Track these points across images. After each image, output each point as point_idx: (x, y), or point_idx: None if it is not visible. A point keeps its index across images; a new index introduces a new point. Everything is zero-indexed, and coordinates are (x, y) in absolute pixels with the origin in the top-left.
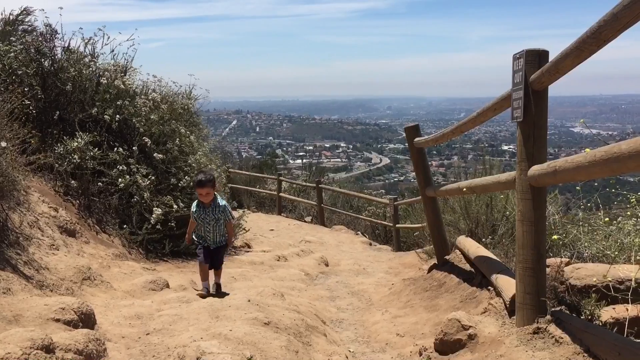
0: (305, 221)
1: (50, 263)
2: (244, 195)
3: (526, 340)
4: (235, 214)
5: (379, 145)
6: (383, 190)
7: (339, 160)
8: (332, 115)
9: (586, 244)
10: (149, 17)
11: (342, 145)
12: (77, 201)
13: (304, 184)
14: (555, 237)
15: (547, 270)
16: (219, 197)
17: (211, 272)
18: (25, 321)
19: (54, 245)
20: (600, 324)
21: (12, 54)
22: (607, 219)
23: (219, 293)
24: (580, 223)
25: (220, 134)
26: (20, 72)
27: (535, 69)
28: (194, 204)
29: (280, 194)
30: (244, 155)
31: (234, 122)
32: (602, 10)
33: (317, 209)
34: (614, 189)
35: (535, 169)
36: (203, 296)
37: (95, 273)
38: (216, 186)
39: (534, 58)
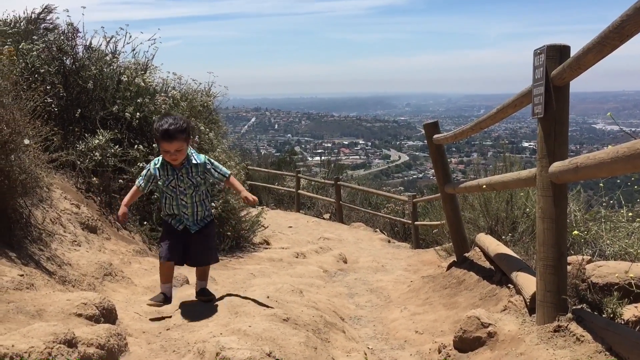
0: (323, 218)
1: (72, 259)
2: (262, 192)
3: (547, 339)
4: (254, 210)
5: (398, 143)
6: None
7: (357, 157)
8: (351, 112)
9: (608, 241)
10: (168, 15)
11: (360, 142)
12: (99, 198)
13: (323, 181)
14: (575, 232)
15: (568, 268)
16: (193, 152)
17: (192, 272)
18: (48, 316)
19: (75, 241)
20: (623, 322)
21: (35, 53)
22: (630, 214)
23: (204, 295)
24: (602, 220)
25: (239, 131)
26: (42, 71)
27: (557, 65)
28: (153, 162)
29: (299, 191)
30: (262, 153)
31: (253, 120)
32: (624, 4)
33: (335, 206)
34: (637, 186)
35: (556, 165)
36: (158, 306)
37: (117, 269)
38: (191, 140)
39: (555, 53)
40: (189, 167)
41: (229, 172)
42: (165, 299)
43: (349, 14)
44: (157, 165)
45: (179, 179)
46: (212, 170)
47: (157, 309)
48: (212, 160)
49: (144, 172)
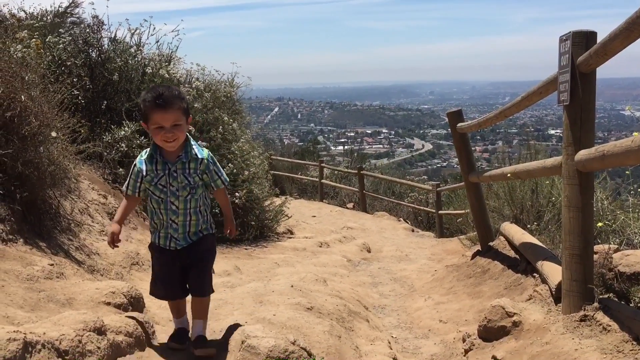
0: (347, 208)
1: (101, 248)
2: (286, 182)
3: (572, 328)
4: (278, 200)
5: (421, 131)
6: (425, 177)
7: (380, 146)
8: (374, 101)
9: (636, 230)
10: (191, 6)
11: (384, 131)
12: None
13: (346, 170)
14: (600, 224)
15: (595, 257)
16: (193, 142)
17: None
18: (78, 304)
19: (103, 231)
20: None
21: (61, 46)
22: None
23: (200, 346)
24: (630, 209)
25: (262, 121)
26: (69, 63)
27: (583, 51)
28: (140, 156)
29: (322, 181)
30: (285, 142)
31: (276, 110)
32: None
33: (358, 195)
34: None
35: (582, 153)
36: (180, 348)
37: (143, 258)
38: (190, 118)
39: (581, 40)
40: (186, 160)
41: (228, 179)
42: (184, 334)
43: (371, 1)
44: (144, 157)
45: (170, 176)
46: (214, 172)
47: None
48: (215, 159)
49: (133, 169)
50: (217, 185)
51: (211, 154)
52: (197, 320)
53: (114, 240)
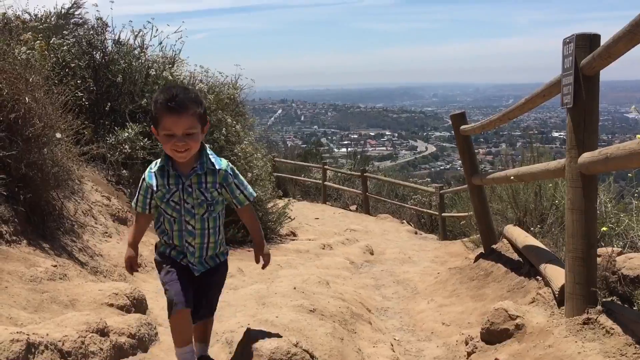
0: (350, 210)
1: (104, 250)
2: (289, 184)
3: (575, 331)
4: (281, 202)
5: (425, 133)
6: (429, 179)
7: (384, 148)
8: (377, 103)
9: (639, 233)
10: (195, 8)
11: (387, 133)
12: (128, 190)
13: (349, 172)
14: (604, 228)
15: (598, 260)
16: (210, 150)
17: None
18: (81, 305)
19: (106, 232)
20: None
21: (65, 47)
22: None
23: None
24: (634, 212)
25: (266, 123)
26: (73, 65)
27: (586, 54)
28: (149, 169)
29: (325, 183)
30: (289, 144)
31: (279, 112)
32: None
33: (362, 197)
34: None
35: (586, 156)
36: None
37: (146, 260)
38: (207, 125)
39: (585, 42)
40: (202, 173)
41: (254, 194)
42: None
43: (375, 3)
44: (154, 170)
45: (184, 191)
46: (235, 186)
47: None
48: (236, 171)
49: (142, 184)
50: (239, 202)
51: (231, 165)
52: (201, 343)
53: (132, 267)
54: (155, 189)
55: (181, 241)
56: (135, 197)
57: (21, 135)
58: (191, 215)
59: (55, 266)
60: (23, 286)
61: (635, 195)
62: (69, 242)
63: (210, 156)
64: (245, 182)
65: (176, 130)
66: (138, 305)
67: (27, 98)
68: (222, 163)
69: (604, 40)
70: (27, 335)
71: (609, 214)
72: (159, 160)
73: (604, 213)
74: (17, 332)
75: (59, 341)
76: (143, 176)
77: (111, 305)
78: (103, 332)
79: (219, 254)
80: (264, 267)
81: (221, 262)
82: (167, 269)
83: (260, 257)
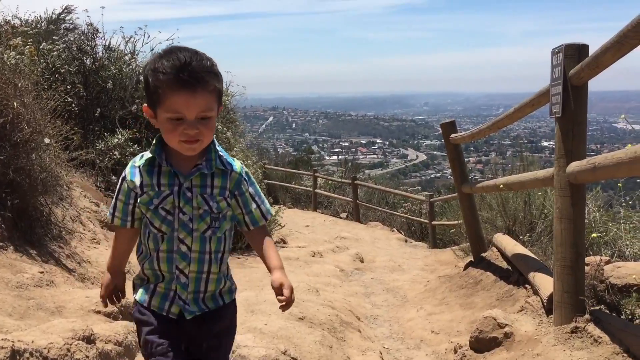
0: (340, 217)
1: (92, 256)
2: (279, 191)
3: (564, 340)
4: (271, 209)
5: (416, 142)
6: (419, 187)
7: (375, 156)
8: (368, 111)
9: (627, 242)
10: (188, 15)
11: (378, 141)
12: None
13: (340, 180)
14: (594, 235)
15: (587, 268)
16: (218, 145)
17: None
18: (67, 312)
19: (95, 239)
20: None
21: (55, 53)
22: None
23: None
24: (622, 221)
25: (257, 130)
26: (63, 71)
27: (575, 64)
28: (132, 163)
29: (316, 190)
30: (280, 152)
31: (270, 119)
32: None
33: (352, 205)
34: None
35: (574, 165)
36: None
37: (135, 266)
38: (221, 108)
39: (574, 52)
40: (208, 173)
41: (272, 211)
42: None
43: (368, 12)
44: (139, 164)
45: (181, 196)
46: (250, 198)
47: None
48: (252, 177)
49: (120, 188)
50: (253, 220)
51: (246, 169)
52: None
53: (107, 297)
54: (139, 190)
55: (170, 267)
56: (112, 204)
57: (9, 141)
58: (187, 231)
59: (42, 272)
60: (9, 292)
61: (623, 204)
62: (57, 248)
63: (220, 152)
64: (263, 195)
65: (188, 112)
66: (125, 312)
67: (15, 103)
68: (235, 164)
69: (592, 51)
70: (12, 342)
71: (597, 223)
72: (145, 152)
73: (592, 222)
74: (2, 339)
75: (45, 348)
76: (123, 174)
77: (98, 312)
78: (89, 340)
79: (224, 292)
80: (285, 307)
81: (226, 305)
82: (152, 340)
83: (282, 290)
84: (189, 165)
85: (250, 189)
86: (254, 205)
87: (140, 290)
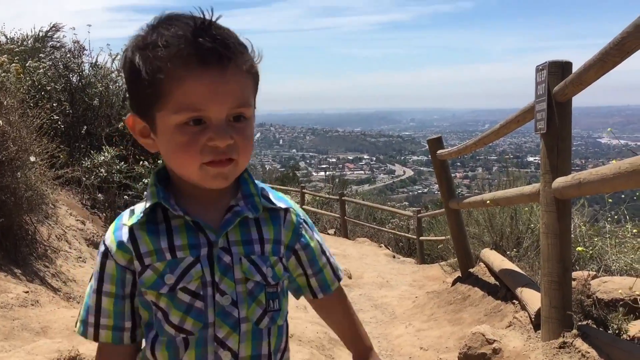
0: (328, 233)
1: (77, 275)
2: None
3: (552, 355)
4: None
5: (403, 157)
6: (407, 203)
7: (362, 172)
8: (355, 127)
9: (614, 257)
10: None
11: (365, 157)
12: (104, 214)
13: (327, 196)
14: (580, 248)
15: (574, 283)
16: (260, 183)
17: None
18: (53, 332)
19: (81, 257)
20: (628, 338)
21: (42, 70)
22: (635, 230)
23: None
24: (608, 235)
25: None
26: (49, 88)
27: (559, 81)
28: (118, 222)
29: (304, 207)
30: (267, 168)
31: (258, 135)
32: (628, 19)
33: (340, 221)
34: None
35: (559, 181)
36: None
37: None
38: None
39: (558, 69)
40: (252, 218)
41: (342, 268)
42: None
43: (355, 29)
44: (130, 224)
45: (217, 264)
46: (319, 251)
47: None
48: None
49: (95, 273)
50: (325, 285)
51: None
52: None
53: None
54: (138, 265)
55: None
56: (85, 306)
57: None
58: (231, 325)
59: (27, 292)
60: None
61: (609, 219)
62: (42, 267)
63: (260, 185)
64: (326, 246)
65: (215, 107)
66: None
67: (1, 121)
68: (285, 199)
69: (575, 68)
70: None
71: (584, 238)
72: (137, 205)
73: (578, 237)
74: None
75: None
76: (101, 246)
77: None
78: None
79: None
80: None
81: None
82: None
83: None
84: (218, 208)
85: (317, 237)
86: (323, 260)
87: None
